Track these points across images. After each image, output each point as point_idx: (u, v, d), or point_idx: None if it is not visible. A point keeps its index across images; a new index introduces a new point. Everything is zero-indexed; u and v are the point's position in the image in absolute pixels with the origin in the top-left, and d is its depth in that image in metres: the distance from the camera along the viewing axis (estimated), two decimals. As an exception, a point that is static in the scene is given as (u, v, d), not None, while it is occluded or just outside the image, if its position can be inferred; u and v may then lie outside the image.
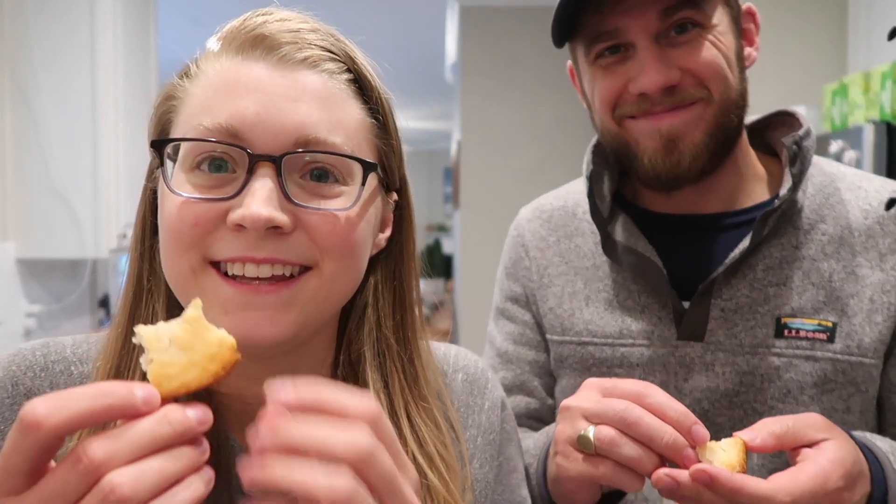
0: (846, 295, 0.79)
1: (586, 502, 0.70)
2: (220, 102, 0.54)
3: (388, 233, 0.64)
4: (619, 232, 0.87)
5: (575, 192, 0.98)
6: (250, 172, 0.53)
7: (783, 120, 0.89)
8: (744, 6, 0.84)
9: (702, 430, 0.62)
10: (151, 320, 0.58)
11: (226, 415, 0.59)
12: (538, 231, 0.97)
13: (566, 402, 0.68)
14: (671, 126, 0.78)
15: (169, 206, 0.54)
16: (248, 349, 0.49)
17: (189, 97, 0.57)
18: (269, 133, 0.53)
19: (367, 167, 0.57)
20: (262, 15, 0.58)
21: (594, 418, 0.64)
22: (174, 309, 0.58)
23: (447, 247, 9.50)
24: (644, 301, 0.86)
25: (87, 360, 0.62)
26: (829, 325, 0.79)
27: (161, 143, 0.56)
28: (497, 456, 0.71)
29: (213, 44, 0.58)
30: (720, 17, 0.79)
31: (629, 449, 0.61)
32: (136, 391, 0.40)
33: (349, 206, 0.56)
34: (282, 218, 0.52)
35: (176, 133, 0.57)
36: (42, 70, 2.34)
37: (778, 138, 0.88)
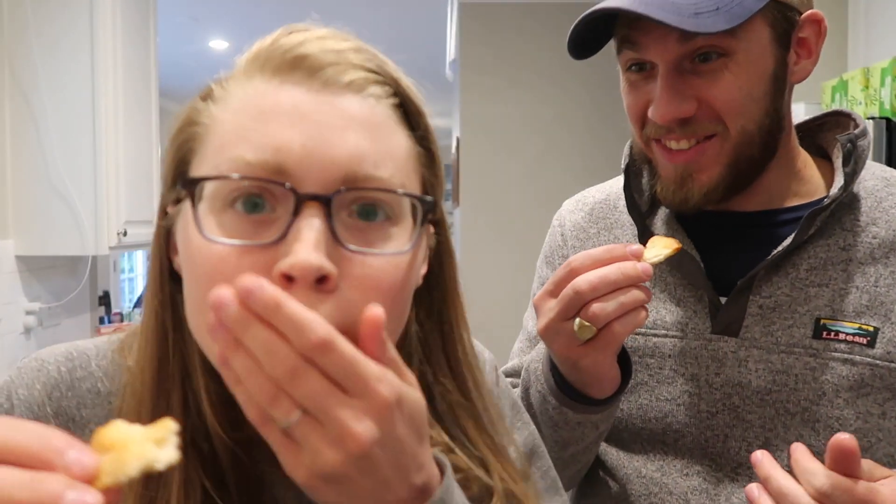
0: (891, 301, 0.77)
1: (613, 383, 0.76)
2: (260, 132, 0.47)
3: (425, 268, 0.57)
4: (658, 225, 0.87)
5: (618, 185, 0.98)
6: (296, 213, 0.46)
7: (837, 121, 0.87)
8: (806, 13, 0.78)
9: (634, 246, 0.71)
10: (184, 382, 0.53)
11: (259, 448, 0.52)
12: (579, 222, 0.97)
13: (537, 330, 0.74)
14: (686, 164, 0.78)
15: (203, 254, 0.47)
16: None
17: (217, 124, 0.50)
18: (317, 168, 0.47)
19: (427, 206, 0.51)
20: (299, 32, 0.52)
21: (563, 314, 0.70)
22: (210, 368, 0.51)
23: (447, 244, 9.47)
24: (680, 294, 0.85)
25: (113, 374, 0.57)
26: (871, 329, 0.77)
27: (195, 182, 0.47)
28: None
29: (242, 63, 0.52)
30: (756, 39, 0.74)
31: (612, 304, 0.68)
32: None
33: (406, 248, 0.49)
34: (330, 267, 0.45)
35: (203, 165, 0.49)
36: (41, 67, 2.34)
37: (831, 139, 0.86)
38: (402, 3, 4.46)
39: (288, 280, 0.44)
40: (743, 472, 0.79)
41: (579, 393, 0.78)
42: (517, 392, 0.87)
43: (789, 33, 0.77)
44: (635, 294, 0.69)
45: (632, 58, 0.79)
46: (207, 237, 0.46)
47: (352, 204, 0.48)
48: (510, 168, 4.09)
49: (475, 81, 4.10)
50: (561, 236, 0.99)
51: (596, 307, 0.69)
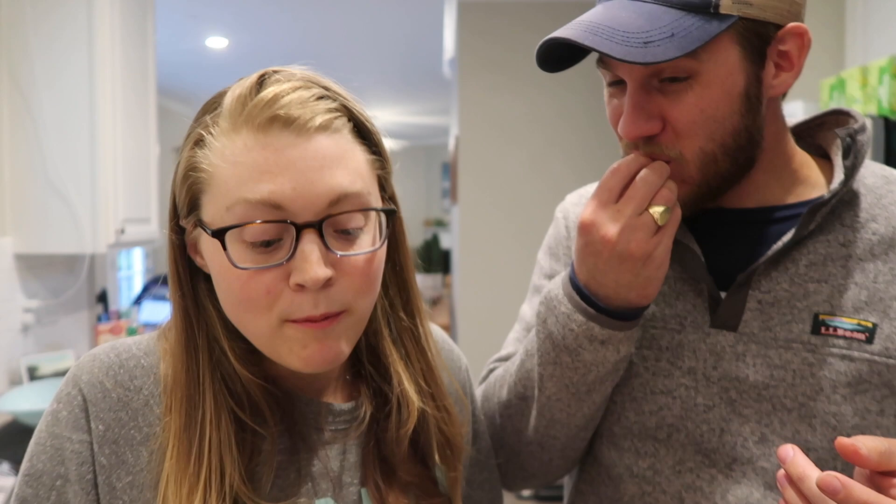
0: (890, 297, 0.78)
1: (662, 277, 0.79)
2: (258, 181, 0.63)
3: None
4: None
5: None
6: (298, 239, 0.63)
7: (837, 119, 0.88)
8: (788, 26, 0.76)
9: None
10: (211, 345, 0.70)
11: (284, 388, 0.74)
12: None
13: (606, 238, 0.76)
14: None
15: (235, 278, 0.65)
16: (321, 370, 0.67)
17: (218, 172, 0.64)
18: (307, 202, 0.63)
19: (389, 214, 0.71)
20: (272, 84, 0.65)
21: (639, 207, 0.75)
22: (234, 331, 0.70)
23: (445, 242, 9.51)
24: (679, 287, 0.85)
25: (150, 352, 0.73)
26: (869, 325, 0.77)
27: (223, 231, 0.64)
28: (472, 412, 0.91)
29: (227, 113, 0.65)
30: (723, 60, 0.74)
31: (671, 184, 0.76)
32: None
33: (378, 245, 0.68)
34: (330, 273, 0.64)
35: (212, 207, 0.65)
36: (39, 65, 2.34)
37: (831, 137, 0.86)
38: (399, 1, 4.45)
39: (301, 287, 0.63)
40: (737, 468, 0.79)
41: (604, 310, 0.79)
42: (531, 336, 0.89)
43: (763, 49, 0.76)
44: (673, 182, 0.77)
45: (605, 74, 0.80)
46: (240, 266, 0.64)
47: (336, 223, 0.65)
48: (509, 166, 4.09)
49: (474, 79, 4.10)
50: (565, 228, 1.00)
51: (665, 190, 0.75)
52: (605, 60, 0.79)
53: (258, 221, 0.63)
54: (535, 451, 0.92)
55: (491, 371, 1.03)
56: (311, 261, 0.63)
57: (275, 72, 0.67)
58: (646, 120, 0.76)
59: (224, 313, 0.70)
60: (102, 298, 3.21)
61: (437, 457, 0.77)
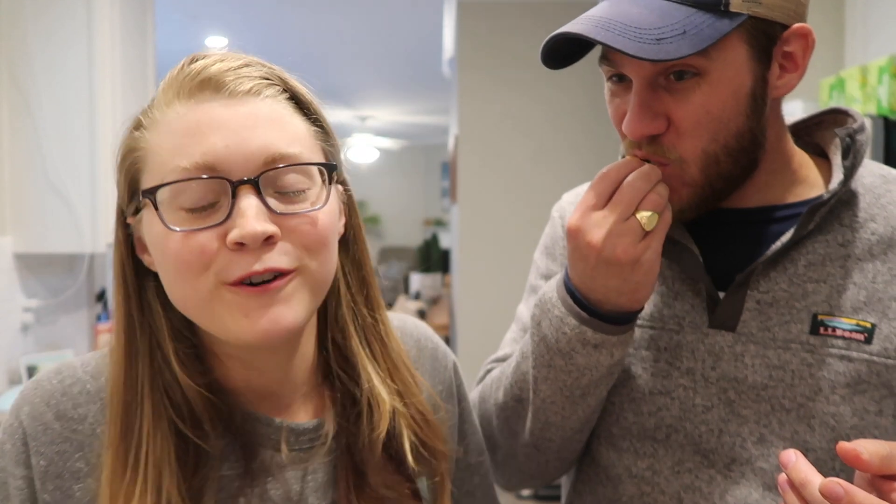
0: (889, 297, 0.77)
1: (653, 282, 0.78)
2: (190, 145, 0.61)
3: (343, 220, 0.73)
4: None
5: None
6: (234, 197, 0.60)
7: (835, 119, 0.87)
8: (793, 27, 0.76)
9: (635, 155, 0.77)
10: (153, 350, 0.66)
11: (237, 403, 0.69)
12: None
13: (591, 244, 0.75)
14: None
15: (169, 242, 0.61)
16: (271, 341, 0.61)
17: (154, 146, 0.63)
18: (241, 160, 0.61)
19: (329, 169, 0.67)
20: (200, 60, 0.64)
21: (624, 213, 0.74)
22: (180, 332, 0.67)
23: (444, 241, 9.51)
24: (678, 287, 0.85)
25: (98, 373, 0.69)
26: (868, 325, 0.77)
27: (154, 190, 0.61)
28: (457, 404, 0.87)
29: (160, 93, 0.65)
30: (732, 59, 0.73)
31: (660, 187, 0.75)
32: None
33: (321, 205, 0.65)
34: (273, 228, 0.60)
35: (150, 180, 0.63)
36: (39, 64, 2.34)
37: (829, 137, 0.86)
38: (398, 1, 4.45)
39: (240, 245, 0.59)
40: (736, 468, 0.79)
41: (597, 314, 0.79)
42: (526, 339, 0.88)
43: (770, 49, 0.76)
44: (662, 184, 0.76)
45: (609, 70, 0.79)
46: (172, 227, 0.60)
47: (277, 183, 0.62)
48: (508, 165, 4.09)
49: (473, 79, 4.10)
50: (562, 227, 1.00)
51: (653, 194, 0.75)
52: (610, 57, 0.78)
53: (191, 180, 0.60)
54: (532, 452, 0.91)
55: (488, 372, 1.03)
56: (249, 216, 0.59)
57: (206, 54, 0.67)
58: (651, 119, 0.75)
59: (172, 317, 0.67)
60: (102, 298, 3.21)
61: (411, 459, 0.72)
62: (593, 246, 0.75)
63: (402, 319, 0.86)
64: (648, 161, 0.77)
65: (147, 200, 0.62)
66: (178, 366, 0.65)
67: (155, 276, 0.67)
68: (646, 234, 0.75)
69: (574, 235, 0.76)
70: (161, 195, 0.61)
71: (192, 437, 0.64)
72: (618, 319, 0.79)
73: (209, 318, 0.63)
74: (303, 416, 0.72)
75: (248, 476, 0.67)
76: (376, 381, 0.72)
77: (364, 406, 0.71)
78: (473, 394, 0.99)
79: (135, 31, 2.63)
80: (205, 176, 0.60)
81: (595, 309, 0.78)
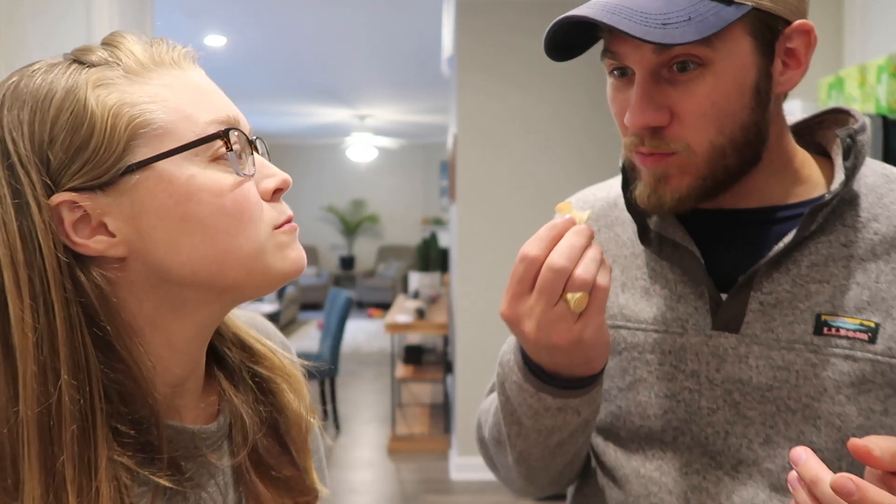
0: (892, 297, 0.77)
1: (606, 350, 0.77)
2: (212, 101, 0.65)
3: None
4: (657, 222, 0.86)
5: (618, 184, 0.97)
6: (252, 152, 0.66)
7: (836, 118, 0.87)
8: (795, 23, 0.76)
9: (566, 216, 0.74)
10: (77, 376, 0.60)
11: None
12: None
13: (529, 335, 0.74)
14: (655, 169, 0.78)
15: (228, 192, 0.63)
16: (303, 269, 0.68)
17: (158, 104, 0.61)
18: (243, 120, 0.67)
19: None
20: (136, 42, 0.68)
21: (551, 300, 0.71)
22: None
23: (443, 240, 9.50)
24: (681, 290, 0.85)
25: None
26: (872, 325, 0.77)
27: (226, 133, 0.64)
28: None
29: (133, 66, 0.64)
30: (736, 50, 0.73)
31: (588, 262, 0.71)
32: None
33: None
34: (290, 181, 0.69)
35: (163, 143, 0.61)
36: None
37: (830, 136, 0.85)
38: (397, 0, 4.46)
39: (278, 192, 0.67)
40: (743, 469, 0.79)
41: (555, 377, 0.78)
42: (495, 395, 0.87)
43: (773, 43, 0.76)
44: (594, 249, 0.72)
45: (612, 64, 0.79)
46: (242, 173, 0.64)
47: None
48: (508, 164, 4.10)
49: (472, 78, 4.10)
50: None
51: (579, 273, 0.70)
52: (612, 50, 0.77)
53: (235, 133, 0.64)
54: (523, 486, 0.93)
55: (492, 388, 1.02)
56: (272, 166, 0.67)
57: (118, 36, 0.69)
58: (654, 110, 0.75)
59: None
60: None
61: (290, 435, 0.74)
62: (528, 336, 0.73)
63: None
64: (581, 218, 0.75)
65: (223, 142, 0.63)
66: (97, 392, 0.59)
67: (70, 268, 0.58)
68: (581, 314, 0.72)
69: (508, 323, 0.75)
70: (212, 145, 0.63)
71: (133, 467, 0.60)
72: (577, 384, 0.78)
73: (261, 261, 0.65)
74: (202, 419, 0.71)
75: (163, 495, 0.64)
76: (249, 361, 0.76)
77: (250, 388, 0.74)
78: (481, 406, 1.00)
79: (134, 30, 2.63)
80: (235, 131, 0.64)
81: (552, 375, 0.78)
